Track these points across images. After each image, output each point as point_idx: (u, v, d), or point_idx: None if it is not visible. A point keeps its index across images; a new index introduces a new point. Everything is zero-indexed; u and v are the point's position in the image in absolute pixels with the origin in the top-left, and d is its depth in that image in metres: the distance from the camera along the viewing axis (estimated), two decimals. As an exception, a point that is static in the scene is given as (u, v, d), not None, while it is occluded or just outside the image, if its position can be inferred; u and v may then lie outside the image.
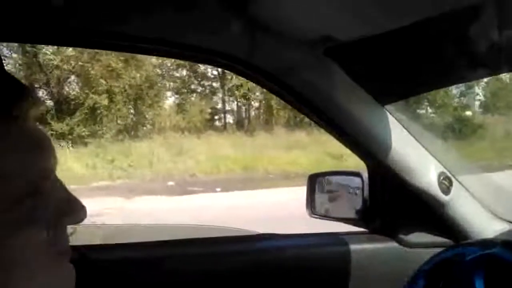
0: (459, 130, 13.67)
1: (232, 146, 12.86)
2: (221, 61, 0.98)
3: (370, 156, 1.14)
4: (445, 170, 1.12)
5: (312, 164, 9.95)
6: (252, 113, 19.30)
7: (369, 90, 1.05)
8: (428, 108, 16.29)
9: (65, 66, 15.30)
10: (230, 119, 18.62)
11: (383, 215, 1.23)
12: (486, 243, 0.88)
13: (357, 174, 1.32)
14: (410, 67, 1.04)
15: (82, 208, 0.47)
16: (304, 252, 1.23)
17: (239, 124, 18.00)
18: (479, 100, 22.38)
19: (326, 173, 1.50)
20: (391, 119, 1.07)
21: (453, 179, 1.13)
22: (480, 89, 15.83)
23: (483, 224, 1.18)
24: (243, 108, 19.35)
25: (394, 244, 1.21)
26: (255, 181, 9.58)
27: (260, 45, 0.95)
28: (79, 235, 1.46)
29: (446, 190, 1.10)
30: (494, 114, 17.47)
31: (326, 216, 1.43)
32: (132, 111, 16.40)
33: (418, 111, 15.45)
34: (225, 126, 18.16)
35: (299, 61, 0.98)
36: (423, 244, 1.17)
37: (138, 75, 15.67)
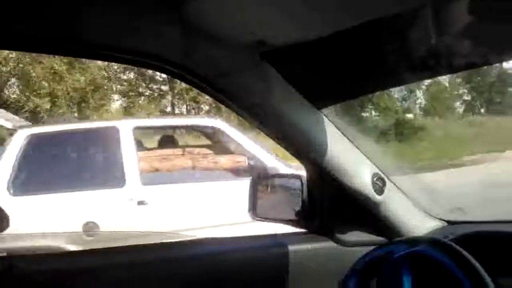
0: (401, 132, 14.29)
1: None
2: (157, 64, 0.97)
3: (307, 158, 1.16)
4: (378, 171, 1.16)
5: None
6: (202, 116, 19.14)
7: (306, 94, 1.07)
8: (373, 111, 16.91)
9: (4, 68, 14.56)
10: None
11: (321, 216, 1.26)
12: (413, 241, 0.92)
13: (297, 177, 1.34)
14: (346, 71, 1.07)
15: (5, 217, 0.45)
16: (242, 255, 1.23)
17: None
18: (420, 103, 23.59)
19: (268, 176, 1.52)
20: (327, 123, 1.10)
21: (386, 179, 1.17)
22: (421, 93, 16.66)
23: (415, 222, 1.24)
24: (193, 111, 19.17)
25: (331, 244, 1.24)
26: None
27: (195, 48, 0.94)
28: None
29: (380, 190, 1.14)
30: (434, 117, 18.48)
31: (268, 219, 1.44)
32: (76, 114, 15.80)
33: (363, 114, 16.03)
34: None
35: (235, 65, 0.98)
36: (360, 243, 1.21)
37: (83, 78, 15.15)
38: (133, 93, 18.51)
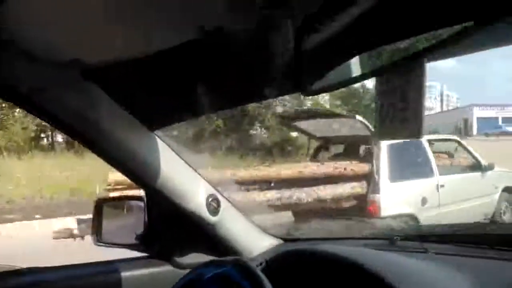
0: (285, 149, 15.00)
1: (59, 167, 11.72)
2: None
3: (142, 181, 1.13)
4: (214, 192, 1.18)
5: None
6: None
7: (137, 115, 1.05)
8: (261, 129, 17.50)
9: None
10: (59, 137, 16.99)
11: (161, 239, 1.24)
12: (220, 263, 0.95)
13: (140, 199, 1.30)
14: (178, 91, 1.06)
15: None
16: (76, 284, 1.15)
17: (69, 143, 16.55)
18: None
19: (113, 198, 1.46)
20: (160, 144, 1.09)
21: (222, 200, 1.19)
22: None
23: (252, 241, 1.27)
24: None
25: (169, 268, 1.22)
26: (84, 205, 8.89)
27: (12, 65, 0.87)
28: None
29: (214, 211, 1.16)
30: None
31: (111, 244, 1.38)
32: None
33: (251, 131, 16.52)
34: (52, 145, 16.53)
35: (53, 83, 0.92)
36: (197, 265, 1.21)
37: None
38: (5, 105, 16.75)
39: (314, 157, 5.93)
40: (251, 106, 14.94)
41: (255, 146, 14.34)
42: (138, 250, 1.30)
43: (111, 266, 1.20)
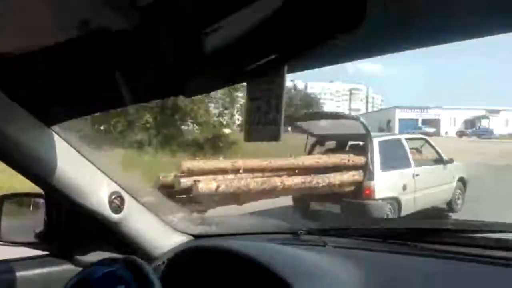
0: (217, 146, 14.99)
1: None
2: None
3: (39, 179, 1.09)
4: (119, 189, 1.17)
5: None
6: None
7: (32, 110, 1.01)
8: (193, 125, 17.33)
9: None
10: None
11: (61, 237, 1.20)
12: (109, 261, 0.95)
13: (40, 196, 1.26)
14: (75, 85, 1.02)
15: None
16: None
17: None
18: (237, 119, 25.24)
19: (14, 194, 1.39)
20: (58, 140, 1.05)
21: (127, 197, 1.18)
22: (235, 110, 17.73)
23: (161, 238, 1.28)
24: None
25: (70, 266, 1.19)
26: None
27: None
28: None
29: (118, 209, 1.15)
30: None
31: (10, 242, 1.31)
32: None
33: (183, 127, 16.30)
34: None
35: None
36: (89, 264, 1.19)
37: None
38: None
39: (310, 152, 6.73)
40: (183, 102, 14.75)
41: (186, 142, 14.16)
42: (39, 249, 1.26)
43: (6, 266, 1.15)
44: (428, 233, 1.24)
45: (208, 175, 4.63)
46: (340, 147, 6.83)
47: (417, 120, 39.71)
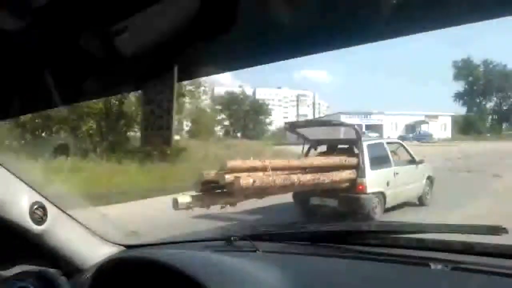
0: (165, 152, 14.73)
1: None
2: None
3: None
4: (41, 200, 1.13)
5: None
6: None
7: None
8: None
9: None
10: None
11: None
12: (22, 276, 0.92)
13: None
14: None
15: None
16: None
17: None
18: (187, 126, 24.98)
19: None
20: None
21: (51, 207, 1.14)
22: (184, 117, 17.57)
23: (88, 249, 1.24)
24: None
25: None
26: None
27: None
28: None
29: (40, 220, 1.11)
30: (197, 139, 19.82)
31: None
32: None
33: (130, 133, 15.87)
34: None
35: None
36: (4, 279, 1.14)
37: None
38: None
39: (306, 155, 7.46)
40: (129, 109, 14.41)
41: (133, 149, 13.79)
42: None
43: None
44: (353, 235, 1.29)
45: (244, 173, 5.25)
46: (331, 150, 7.67)
47: (361, 125, 41.04)
